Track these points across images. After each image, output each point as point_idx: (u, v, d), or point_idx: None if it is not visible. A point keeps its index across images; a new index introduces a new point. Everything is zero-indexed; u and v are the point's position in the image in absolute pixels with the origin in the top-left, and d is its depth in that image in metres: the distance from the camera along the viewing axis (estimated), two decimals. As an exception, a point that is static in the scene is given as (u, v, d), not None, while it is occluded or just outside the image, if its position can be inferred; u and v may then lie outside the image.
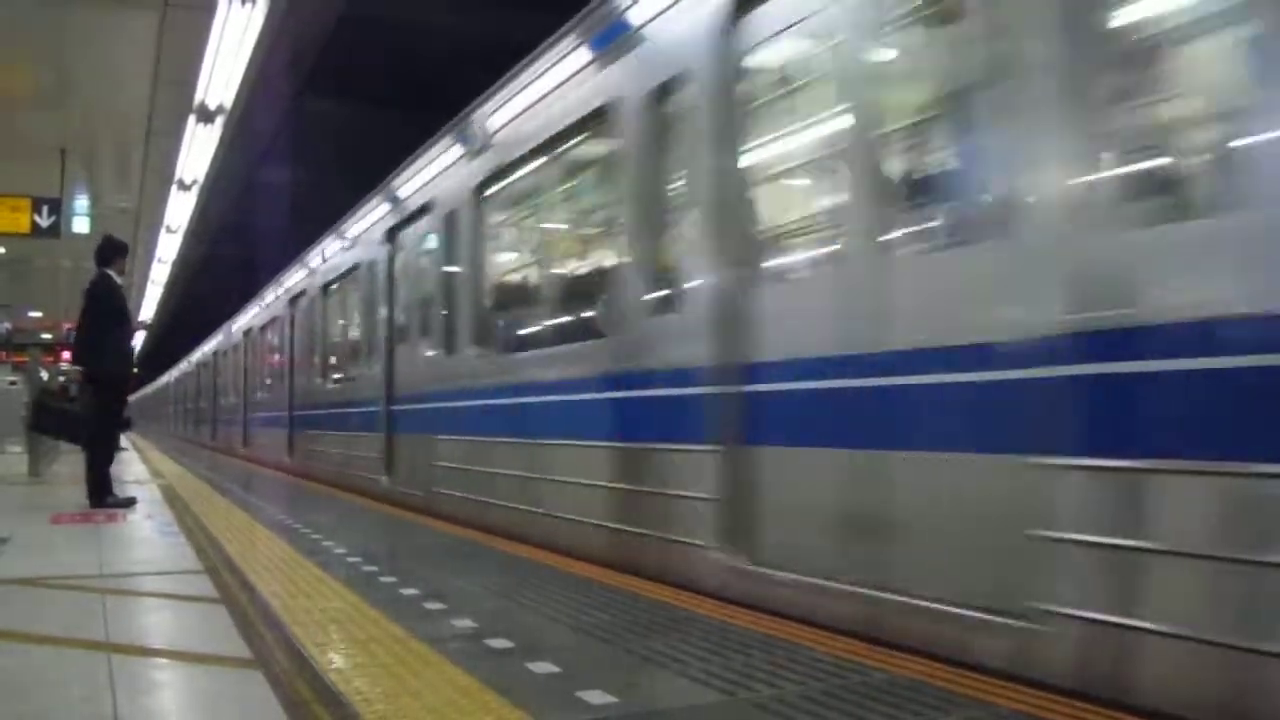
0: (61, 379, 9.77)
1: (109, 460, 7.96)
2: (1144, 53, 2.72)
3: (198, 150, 11.53)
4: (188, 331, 28.34)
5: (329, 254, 11.36)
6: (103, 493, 7.61)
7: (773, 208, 4.21)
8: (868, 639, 3.14)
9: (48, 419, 8.88)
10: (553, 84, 5.56)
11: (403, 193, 8.55)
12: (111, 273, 7.85)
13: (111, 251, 7.91)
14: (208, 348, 23.66)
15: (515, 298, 6.75)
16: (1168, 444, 2.42)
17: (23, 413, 13.54)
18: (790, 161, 4.08)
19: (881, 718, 2.44)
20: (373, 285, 9.44)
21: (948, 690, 2.64)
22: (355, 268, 10.12)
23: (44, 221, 12.08)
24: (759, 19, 3.95)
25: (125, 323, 7.94)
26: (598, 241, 5.67)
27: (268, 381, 15.73)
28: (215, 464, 15.59)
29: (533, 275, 6.56)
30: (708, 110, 4.17)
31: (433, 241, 7.68)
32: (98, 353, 7.62)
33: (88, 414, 7.80)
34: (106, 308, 7.69)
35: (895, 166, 3.53)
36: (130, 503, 7.70)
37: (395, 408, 8.44)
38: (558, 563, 4.90)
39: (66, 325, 27.27)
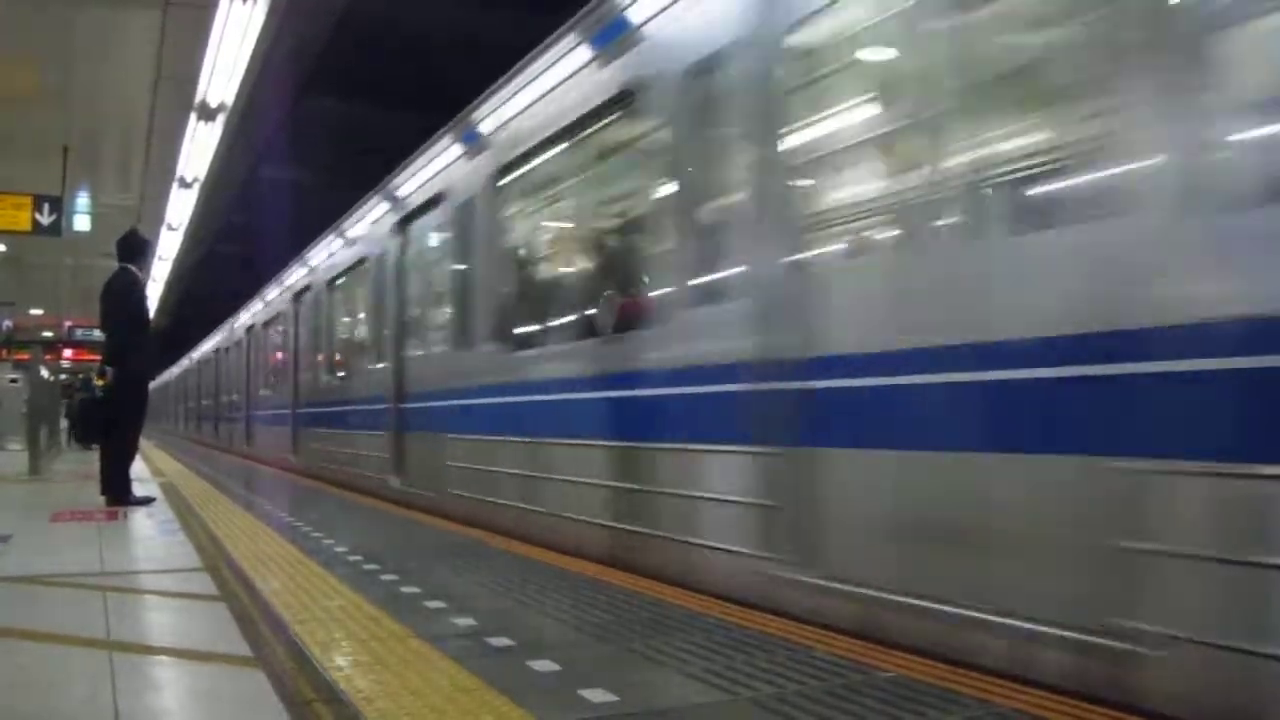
0: (63, 377, 9.84)
1: (130, 459, 7.96)
2: None
3: (199, 148, 11.53)
4: (188, 328, 28.34)
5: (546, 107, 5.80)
6: (124, 491, 7.61)
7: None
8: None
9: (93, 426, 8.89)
10: None
11: None
12: (132, 268, 7.85)
13: (140, 248, 8.12)
14: (238, 324, 18.56)
15: None
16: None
17: (24, 410, 13.60)
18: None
19: (882, 716, 2.45)
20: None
21: (948, 689, 2.64)
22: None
23: (45, 219, 12.06)
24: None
25: (145, 320, 7.91)
26: None
27: (349, 358, 11.12)
28: (249, 476, 12.06)
29: None
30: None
31: None
32: (120, 351, 7.61)
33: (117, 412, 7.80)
34: (122, 305, 7.67)
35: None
36: (148, 501, 7.73)
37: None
38: (559, 561, 4.90)
39: (68, 323, 27.33)
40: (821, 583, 3.46)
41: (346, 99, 13.36)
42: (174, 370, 34.13)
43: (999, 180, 3.24)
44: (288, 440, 13.23)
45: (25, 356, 20.27)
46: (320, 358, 12.08)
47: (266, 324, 15.82)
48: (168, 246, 17.72)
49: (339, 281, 11.33)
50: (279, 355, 14.83)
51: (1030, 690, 2.61)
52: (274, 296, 15.08)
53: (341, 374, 11.21)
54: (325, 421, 11.26)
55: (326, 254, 11.74)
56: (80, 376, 23.23)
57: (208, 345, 23.82)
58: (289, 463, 12.99)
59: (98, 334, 12.23)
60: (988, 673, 2.78)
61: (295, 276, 13.41)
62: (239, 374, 18.37)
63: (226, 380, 20.30)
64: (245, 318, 17.85)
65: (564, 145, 5.79)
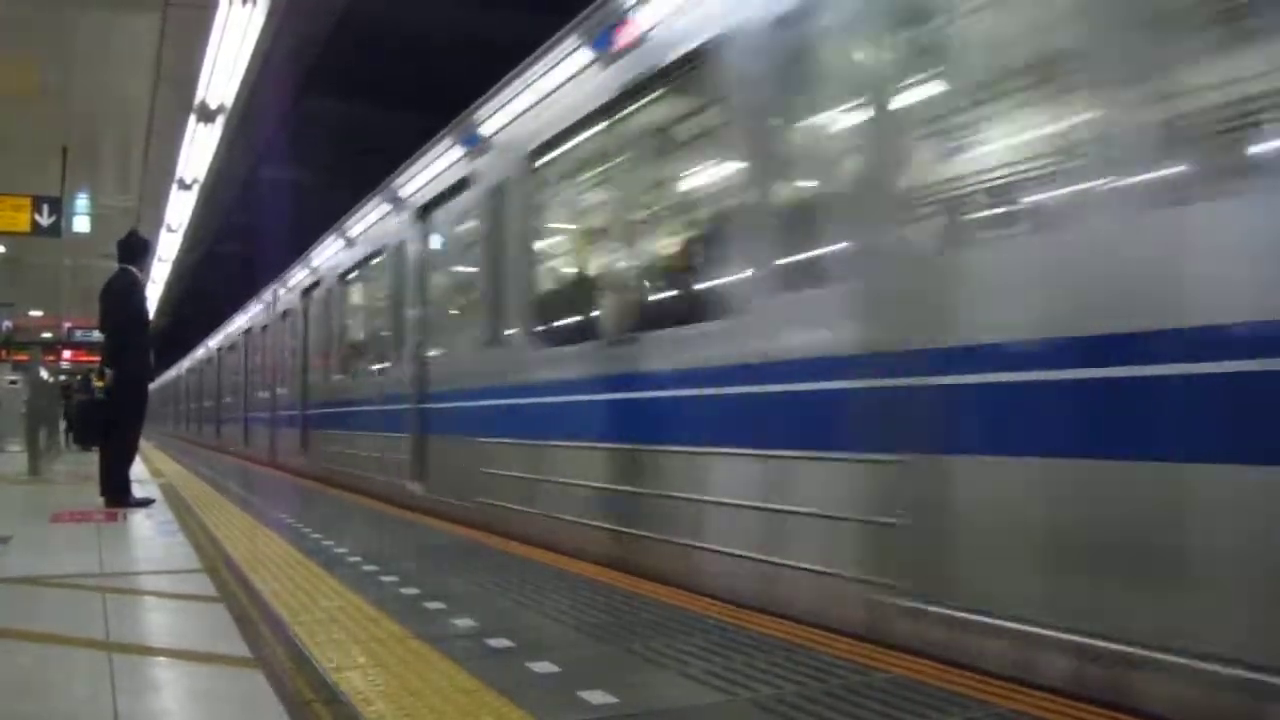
0: (62, 378, 9.77)
1: (129, 460, 7.96)
2: None
3: (198, 149, 11.54)
4: (188, 328, 28.36)
5: None
6: (123, 492, 7.62)
7: None
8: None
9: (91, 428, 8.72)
10: None
11: None
12: (132, 269, 7.86)
13: (141, 249, 8.14)
14: (286, 290, 14.02)
15: None
16: None
17: (23, 411, 13.61)
18: None
19: (881, 717, 2.44)
20: None
21: (947, 690, 2.64)
22: None
23: (44, 220, 12.07)
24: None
25: (144, 321, 7.89)
26: None
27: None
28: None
29: None
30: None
31: None
32: (120, 353, 7.60)
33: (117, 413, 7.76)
34: (124, 306, 7.66)
35: None
36: (148, 503, 7.73)
37: None
38: (558, 562, 4.90)
39: (67, 324, 27.32)
40: None
41: (346, 99, 13.36)
42: (183, 364, 31.41)
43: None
44: (404, 453, 8.24)
45: (24, 357, 20.28)
46: (490, 310, 6.61)
47: (348, 276, 11.04)
48: (167, 248, 17.74)
49: (564, 149, 5.88)
50: (376, 322, 10.10)
51: (1030, 691, 2.61)
52: (365, 229, 10.24)
53: (560, 321, 6.05)
54: (524, 423, 6.05)
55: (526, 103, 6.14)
56: (78, 378, 23.18)
57: (232, 327, 19.35)
58: (405, 492, 8.01)
59: (97, 335, 12.07)
60: (988, 674, 2.77)
61: (416, 186, 8.30)
62: (285, 358, 13.96)
63: (262, 370, 15.70)
64: (302, 277, 12.84)
65: None
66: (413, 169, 8.46)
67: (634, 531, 4.77)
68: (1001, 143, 3.22)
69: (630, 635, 3.32)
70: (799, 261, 3.84)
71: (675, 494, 4.47)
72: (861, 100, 3.57)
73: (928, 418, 3.16)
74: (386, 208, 9.33)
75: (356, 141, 13.99)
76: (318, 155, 15.13)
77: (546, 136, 5.91)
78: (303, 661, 2.98)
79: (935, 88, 3.39)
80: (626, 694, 2.65)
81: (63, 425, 17.67)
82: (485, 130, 6.82)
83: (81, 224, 14.06)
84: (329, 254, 11.70)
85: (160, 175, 12.78)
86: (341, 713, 2.50)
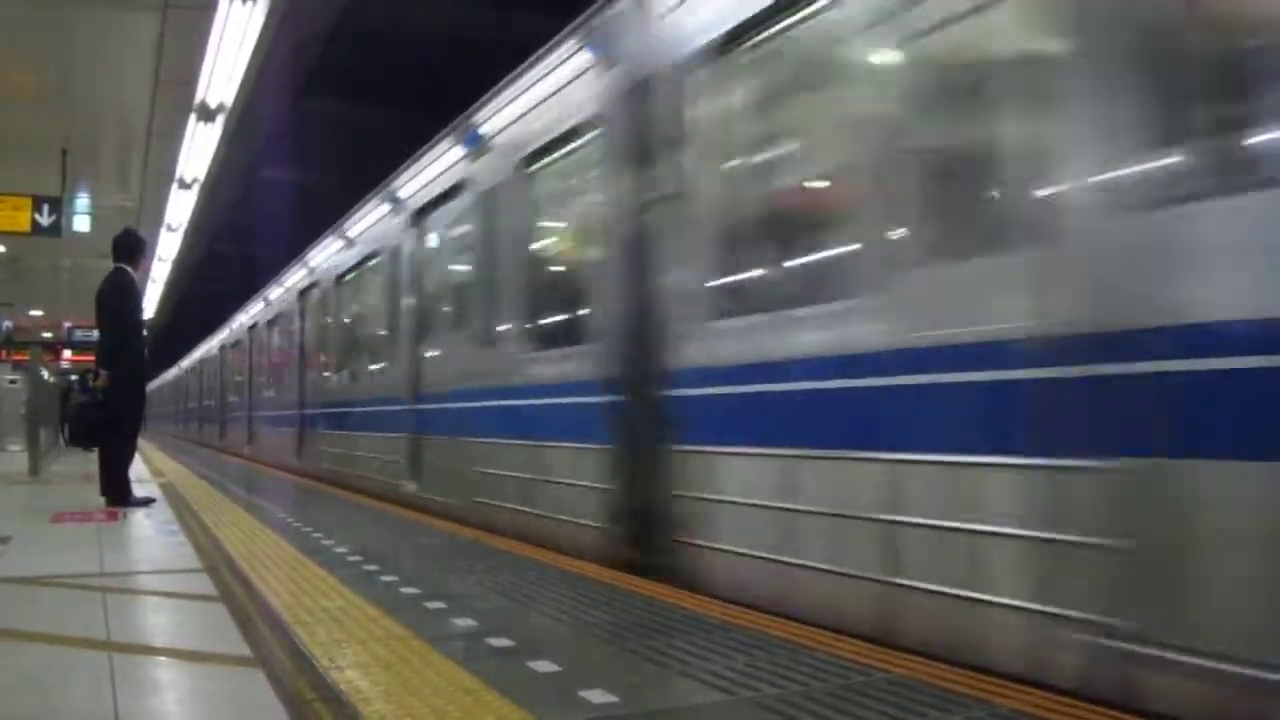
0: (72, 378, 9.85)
1: (129, 460, 7.96)
2: None
3: (198, 149, 11.53)
4: (187, 329, 28.35)
5: None
6: (124, 493, 7.62)
7: None
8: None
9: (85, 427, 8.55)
10: None
11: None
12: (128, 268, 7.84)
13: (136, 247, 8.06)
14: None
15: None
16: None
17: (23, 411, 13.61)
18: None
19: (883, 717, 2.44)
20: None
21: (951, 690, 2.64)
22: None
23: (45, 220, 12.08)
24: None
25: (139, 322, 7.87)
26: None
27: None
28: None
29: None
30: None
31: None
32: (118, 353, 7.58)
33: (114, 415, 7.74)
34: (120, 305, 7.66)
35: None
36: (148, 502, 7.72)
37: None
38: (559, 562, 4.90)
39: (67, 324, 27.29)
40: None
41: (346, 99, 13.37)
42: (178, 367, 32.19)
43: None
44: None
45: (24, 357, 20.27)
46: None
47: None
48: (167, 247, 17.73)
49: None
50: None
51: (1032, 691, 2.61)
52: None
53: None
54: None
55: None
56: (74, 379, 23.17)
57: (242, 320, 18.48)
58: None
59: (97, 335, 12.08)
60: (989, 673, 2.77)
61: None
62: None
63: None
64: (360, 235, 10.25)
65: None
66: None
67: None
68: None
69: (631, 634, 3.32)
70: None
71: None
72: None
73: None
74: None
75: (356, 141, 14.01)
76: (317, 155, 15.15)
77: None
78: (303, 661, 2.98)
79: None
80: (627, 693, 2.64)
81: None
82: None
83: (82, 224, 14.05)
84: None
85: (160, 175, 12.77)
86: (342, 713, 2.50)
